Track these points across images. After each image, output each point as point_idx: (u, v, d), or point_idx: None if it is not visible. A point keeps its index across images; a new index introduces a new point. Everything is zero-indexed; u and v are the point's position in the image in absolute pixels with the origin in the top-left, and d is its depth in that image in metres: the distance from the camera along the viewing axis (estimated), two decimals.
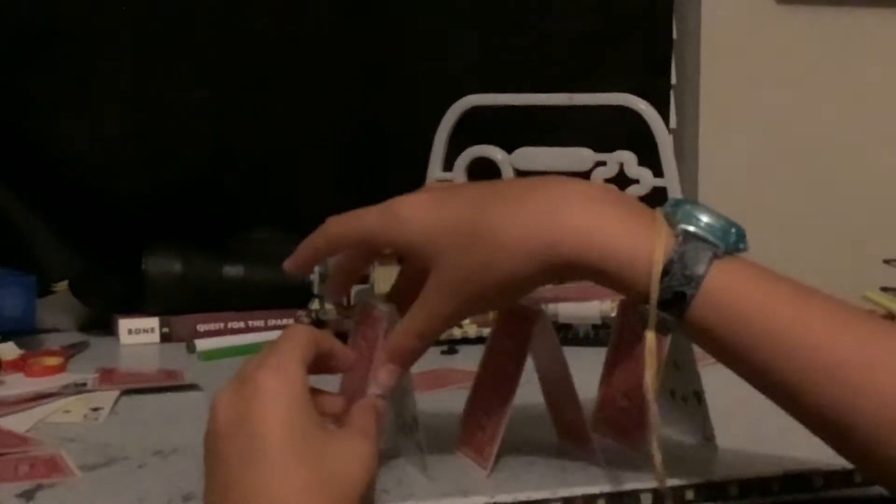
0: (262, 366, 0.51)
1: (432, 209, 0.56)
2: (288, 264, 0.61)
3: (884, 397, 0.49)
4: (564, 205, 0.53)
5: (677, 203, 0.54)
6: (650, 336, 0.53)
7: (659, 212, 0.54)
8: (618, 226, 0.53)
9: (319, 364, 0.56)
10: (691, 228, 0.53)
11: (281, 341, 0.54)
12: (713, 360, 0.82)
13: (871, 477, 0.53)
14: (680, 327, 0.53)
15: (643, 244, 0.52)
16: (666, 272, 0.51)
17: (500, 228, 0.53)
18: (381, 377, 0.58)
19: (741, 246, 0.53)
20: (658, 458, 0.53)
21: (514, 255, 0.53)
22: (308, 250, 0.60)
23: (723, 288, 0.52)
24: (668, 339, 0.57)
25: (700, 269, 0.51)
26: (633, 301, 0.54)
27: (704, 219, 0.53)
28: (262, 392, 0.50)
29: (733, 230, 0.53)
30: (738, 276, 0.52)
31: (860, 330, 0.51)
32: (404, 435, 0.62)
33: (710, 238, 0.52)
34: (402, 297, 0.60)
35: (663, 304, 0.52)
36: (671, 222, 0.53)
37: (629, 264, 0.52)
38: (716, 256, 0.52)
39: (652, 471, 0.53)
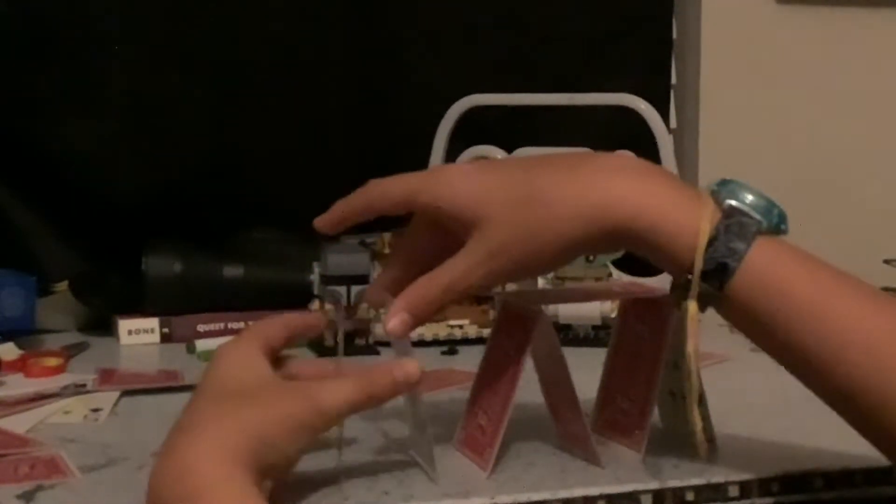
0: (225, 342, 0.59)
1: (479, 175, 0.57)
2: (320, 221, 0.61)
3: None
4: (615, 174, 0.55)
5: (723, 182, 0.56)
6: (692, 305, 0.54)
7: (705, 188, 0.56)
8: (666, 196, 0.55)
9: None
10: (736, 203, 0.54)
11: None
12: (713, 360, 0.82)
13: (891, 456, 0.54)
14: (719, 300, 0.54)
15: (689, 215, 0.54)
16: (710, 243, 0.53)
17: (553, 194, 0.55)
18: (392, 325, 0.57)
19: (783, 227, 0.55)
20: (698, 426, 0.55)
21: (566, 220, 0.55)
22: (344, 207, 0.61)
23: (765, 263, 0.53)
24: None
25: (744, 243, 0.53)
26: (675, 274, 0.55)
27: (749, 197, 0.55)
28: (216, 358, 0.57)
29: (776, 210, 0.55)
30: (779, 253, 0.54)
31: (895, 314, 0.53)
32: (418, 435, 0.62)
33: (755, 214, 0.54)
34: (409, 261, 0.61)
35: (705, 276, 0.53)
36: (717, 198, 0.55)
37: (675, 234, 0.54)
38: (759, 232, 0.54)
39: (693, 440, 0.55)
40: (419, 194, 0.58)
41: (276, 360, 0.60)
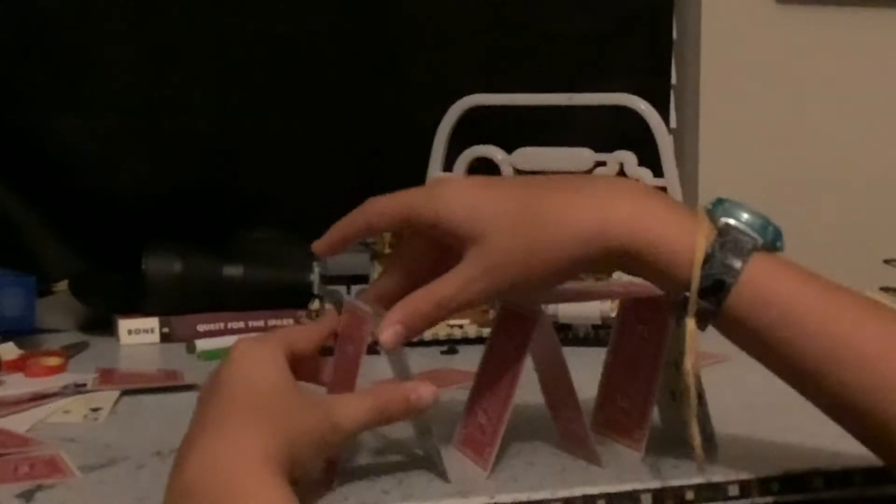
0: (245, 338, 0.58)
1: (478, 191, 0.58)
2: (318, 245, 0.61)
3: None
4: (614, 195, 0.56)
5: (718, 201, 0.57)
6: (691, 323, 0.55)
7: (701, 207, 0.57)
8: (663, 217, 0.56)
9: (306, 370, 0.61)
10: (732, 222, 0.55)
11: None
12: (713, 360, 0.82)
13: (886, 459, 0.55)
14: (716, 317, 0.54)
15: (686, 235, 0.55)
16: (706, 261, 0.54)
17: (553, 213, 0.56)
18: (385, 337, 0.57)
19: (778, 244, 0.56)
20: (697, 440, 0.56)
21: (565, 240, 0.55)
22: (343, 228, 0.60)
23: (761, 279, 0.54)
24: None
25: (740, 260, 0.54)
26: (672, 292, 0.56)
27: (745, 215, 0.56)
28: (235, 355, 0.56)
29: (771, 228, 0.56)
30: (775, 270, 0.55)
31: (888, 326, 0.54)
32: (423, 438, 0.62)
33: (750, 232, 0.55)
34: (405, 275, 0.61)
35: (702, 293, 0.54)
36: (712, 217, 0.56)
37: (672, 252, 0.54)
38: (755, 249, 0.54)
39: (692, 455, 0.56)
40: (418, 210, 0.58)
41: (304, 362, 0.60)
